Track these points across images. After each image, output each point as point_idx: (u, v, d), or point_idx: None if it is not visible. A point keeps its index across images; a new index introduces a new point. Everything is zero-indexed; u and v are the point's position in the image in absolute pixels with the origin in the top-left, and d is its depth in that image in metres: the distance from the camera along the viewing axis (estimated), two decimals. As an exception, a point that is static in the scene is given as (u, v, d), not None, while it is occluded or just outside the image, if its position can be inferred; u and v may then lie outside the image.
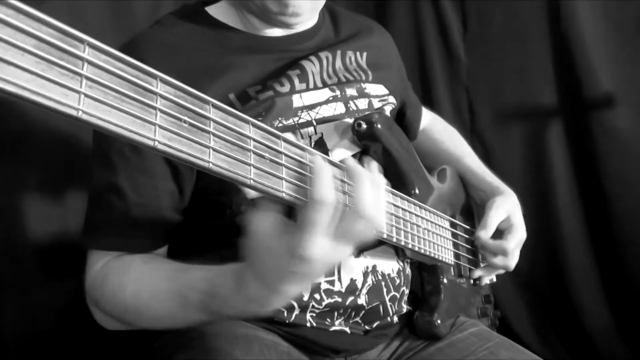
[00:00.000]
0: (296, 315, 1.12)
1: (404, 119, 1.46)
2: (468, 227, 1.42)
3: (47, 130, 1.49)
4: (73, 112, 0.51)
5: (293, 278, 0.82)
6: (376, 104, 1.27)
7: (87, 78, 0.53)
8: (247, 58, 1.16)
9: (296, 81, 1.17)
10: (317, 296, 1.11)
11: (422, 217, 1.13)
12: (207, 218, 1.16)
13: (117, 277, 1.05)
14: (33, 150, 1.50)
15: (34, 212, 1.51)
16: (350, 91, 1.23)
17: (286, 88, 1.16)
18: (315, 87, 1.20)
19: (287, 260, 0.79)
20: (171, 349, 1.10)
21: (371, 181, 0.82)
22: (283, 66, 1.19)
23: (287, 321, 1.11)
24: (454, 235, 1.31)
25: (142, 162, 1.07)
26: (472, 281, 1.42)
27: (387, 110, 1.30)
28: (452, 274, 1.32)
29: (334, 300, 1.12)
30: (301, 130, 1.14)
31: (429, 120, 1.64)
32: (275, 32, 1.21)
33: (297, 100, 1.16)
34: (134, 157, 1.06)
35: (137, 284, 1.03)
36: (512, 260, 1.34)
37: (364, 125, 1.13)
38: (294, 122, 1.14)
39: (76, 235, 1.47)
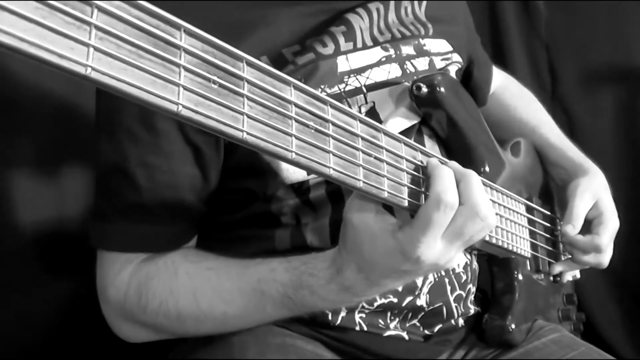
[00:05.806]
0: (343, 317, 1.12)
1: (470, 81, 1.44)
2: (547, 213, 1.39)
3: (39, 96, 1.47)
4: (81, 70, 0.49)
5: (399, 276, 0.90)
6: (438, 63, 1.25)
7: (98, 28, 0.51)
8: (280, 11, 1.14)
9: (341, 40, 1.15)
10: None
11: (493, 200, 1.10)
12: (235, 208, 1.15)
13: (164, 284, 1.05)
14: (23, 120, 1.48)
15: (23, 194, 1.48)
16: (407, 49, 1.21)
17: (330, 49, 1.13)
18: (365, 47, 1.18)
19: (398, 260, 0.86)
20: None
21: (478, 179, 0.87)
22: (324, 21, 1.17)
23: (332, 324, 1.11)
24: (530, 222, 1.29)
25: (157, 142, 1.04)
26: (551, 278, 1.40)
27: (452, 70, 1.28)
28: (529, 268, 1.31)
29: (388, 300, 1.12)
30: (349, 100, 1.12)
31: (501, 83, 1.63)
32: None
33: (343, 64, 1.14)
34: (146, 136, 1.04)
35: (194, 287, 1.04)
36: (606, 256, 1.32)
37: (425, 89, 1.12)
38: (339, 89, 1.12)
39: (77, 224, 1.46)
